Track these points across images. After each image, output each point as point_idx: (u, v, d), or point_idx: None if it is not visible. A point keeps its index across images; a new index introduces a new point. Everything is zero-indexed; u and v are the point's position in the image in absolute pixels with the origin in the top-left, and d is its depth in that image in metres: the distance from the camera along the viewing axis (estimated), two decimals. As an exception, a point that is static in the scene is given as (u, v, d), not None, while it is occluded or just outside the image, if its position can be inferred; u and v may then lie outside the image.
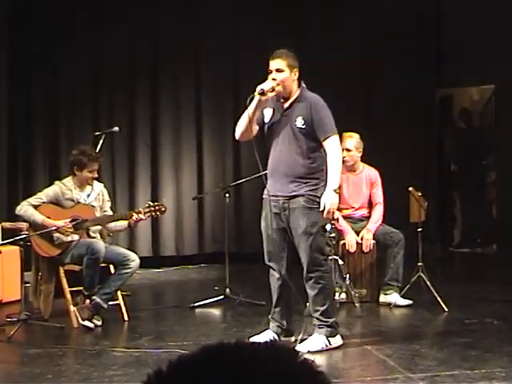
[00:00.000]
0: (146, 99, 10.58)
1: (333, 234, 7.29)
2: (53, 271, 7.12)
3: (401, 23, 10.94)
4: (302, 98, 5.89)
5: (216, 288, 8.22)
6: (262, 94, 5.79)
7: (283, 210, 5.89)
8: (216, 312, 7.67)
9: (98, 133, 8.46)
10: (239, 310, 7.52)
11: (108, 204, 7.41)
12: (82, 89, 10.36)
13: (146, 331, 6.80)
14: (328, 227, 7.42)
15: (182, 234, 10.71)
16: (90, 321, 6.86)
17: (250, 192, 10.45)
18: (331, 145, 5.82)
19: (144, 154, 10.58)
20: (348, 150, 7.72)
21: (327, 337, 5.94)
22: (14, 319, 6.95)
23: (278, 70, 5.88)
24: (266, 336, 6.07)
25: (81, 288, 7.02)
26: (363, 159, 7.93)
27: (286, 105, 5.92)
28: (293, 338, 6.09)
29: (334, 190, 5.77)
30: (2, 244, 7.72)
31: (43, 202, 7.08)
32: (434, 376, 5.26)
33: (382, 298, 7.68)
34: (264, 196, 6.03)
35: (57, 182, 7.29)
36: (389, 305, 7.52)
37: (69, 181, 7.23)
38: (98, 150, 7.90)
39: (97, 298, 6.89)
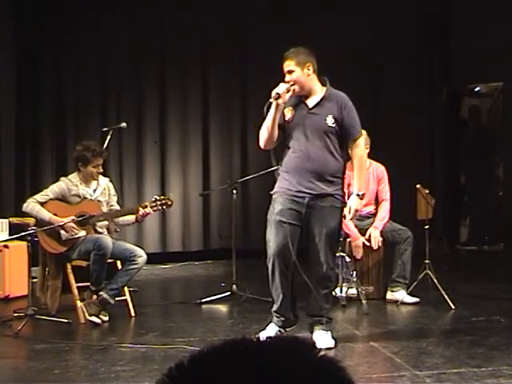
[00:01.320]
0: (154, 95, 10.59)
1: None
2: (60, 267, 7.13)
3: (409, 21, 10.92)
4: (331, 96, 5.83)
5: (223, 284, 8.22)
6: (278, 98, 5.75)
7: (307, 208, 5.77)
8: (223, 308, 7.68)
9: (105, 129, 8.47)
10: (246, 307, 7.52)
11: (115, 198, 7.41)
12: (89, 85, 10.38)
13: (153, 327, 6.81)
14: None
15: (189, 230, 10.72)
16: (97, 316, 6.87)
17: (257, 188, 10.46)
18: (359, 147, 5.87)
19: (151, 150, 10.59)
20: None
21: (330, 331, 6.01)
22: (21, 314, 6.96)
23: (289, 72, 5.83)
24: (271, 330, 6.06)
25: (88, 284, 7.02)
26: (370, 155, 7.91)
27: (313, 102, 5.82)
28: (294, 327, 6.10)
29: (358, 195, 5.81)
30: (10, 239, 7.75)
31: (50, 199, 7.08)
32: (441, 374, 5.25)
33: (389, 295, 7.67)
34: (278, 190, 5.92)
35: (62, 178, 7.30)
36: (396, 302, 7.51)
37: (74, 177, 7.23)
38: (105, 146, 7.91)
39: (104, 294, 6.90)
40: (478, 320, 6.86)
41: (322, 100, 5.81)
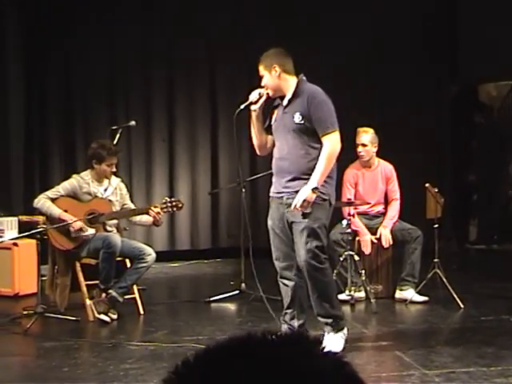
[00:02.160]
0: (162, 94, 10.60)
1: (348, 230, 7.28)
2: (69, 265, 7.15)
3: (417, 19, 10.90)
4: (299, 93, 5.72)
5: (232, 283, 8.22)
6: (250, 104, 5.81)
7: (287, 207, 5.71)
8: (231, 307, 7.68)
9: (114, 127, 8.48)
10: (254, 305, 7.52)
11: (127, 197, 7.43)
12: (98, 84, 10.40)
13: (162, 325, 6.81)
14: (344, 223, 7.44)
15: (198, 229, 10.73)
16: (106, 314, 6.88)
17: (266, 187, 10.44)
18: (325, 142, 5.59)
19: (160, 149, 10.60)
20: (363, 145, 7.69)
21: (340, 330, 5.82)
22: (31, 312, 6.98)
23: (262, 77, 5.85)
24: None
25: (97, 282, 7.04)
26: (378, 154, 7.90)
27: (285, 102, 5.78)
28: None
29: (312, 190, 5.51)
30: (19, 237, 7.76)
31: (61, 196, 7.10)
32: (450, 373, 5.24)
33: (398, 294, 7.66)
34: (270, 194, 5.94)
35: (74, 176, 7.31)
36: (404, 301, 7.50)
37: (86, 174, 7.24)
38: (115, 143, 7.92)
39: (113, 292, 6.91)
40: (487, 319, 6.84)
41: (291, 98, 5.75)
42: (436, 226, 7.45)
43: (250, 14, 10.63)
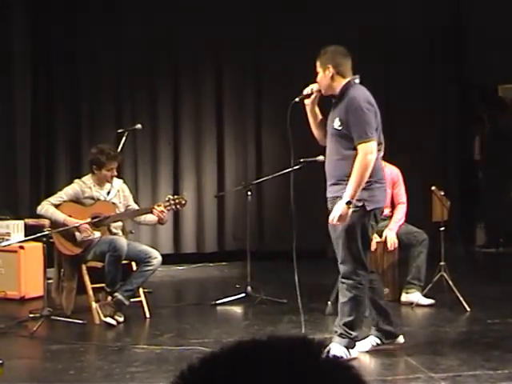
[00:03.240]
0: (168, 97, 10.60)
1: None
2: (75, 268, 7.15)
3: (424, 23, 10.88)
4: (344, 96, 5.64)
5: (237, 286, 8.22)
6: (303, 99, 5.79)
7: (331, 212, 5.65)
8: (237, 310, 7.68)
9: (120, 130, 8.50)
10: (261, 308, 7.52)
11: (131, 198, 7.43)
12: (104, 87, 10.41)
13: (168, 328, 6.82)
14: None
15: (203, 232, 10.72)
16: (112, 317, 6.89)
17: (272, 190, 10.46)
18: (360, 151, 5.48)
19: (166, 152, 10.61)
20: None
21: (347, 348, 5.67)
22: (37, 315, 6.99)
23: (317, 72, 5.79)
24: (369, 341, 5.89)
25: (103, 285, 7.04)
26: (384, 158, 7.87)
27: (333, 104, 5.74)
28: (401, 339, 5.85)
29: (346, 203, 5.42)
30: (25, 240, 7.77)
31: (64, 201, 7.11)
32: (456, 376, 5.23)
33: (404, 297, 7.65)
34: None
35: (76, 181, 7.32)
36: (410, 304, 7.49)
37: (88, 179, 7.25)
38: (120, 148, 7.93)
39: (119, 295, 6.91)
40: (494, 322, 6.83)
41: (336, 101, 5.70)
42: (442, 229, 7.44)
43: (259, 12, 10.61)
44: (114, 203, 7.23)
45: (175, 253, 10.50)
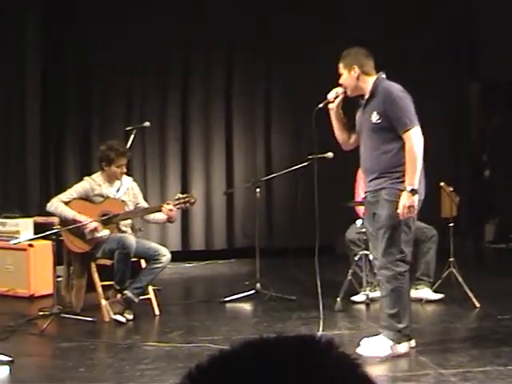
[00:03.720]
0: (176, 94, 10.61)
1: (363, 230, 7.27)
2: (84, 266, 7.16)
3: (435, 22, 10.84)
4: (376, 92, 5.69)
5: (246, 283, 8.22)
6: (328, 103, 5.83)
7: (371, 205, 5.74)
8: (246, 307, 7.68)
9: (129, 128, 8.51)
10: (270, 305, 7.52)
11: (140, 196, 7.43)
12: (113, 84, 10.42)
13: (177, 326, 6.82)
14: (359, 223, 7.43)
15: (212, 229, 10.73)
16: (122, 315, 6.90)
17: (281, 187, 10.46)
18: (408, 140, 5.55)
19: (174, 149, 10.62)
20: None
21: (394, 342, 5.65)
22: (47, 313, 7.01)
23: (340, 74, 5.82)
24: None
25: (112, 282, 7.05)
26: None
27: (364, 102, 5.77)
28: (413, 342, 5.77)
29: (410, 192, 5.48)
30: (35, 238, 7.79)
31: (74, 198, 7.12)
32: (466, 372, 5.22)
33: (413, 294, 7.62)
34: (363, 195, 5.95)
35: (86, 178, 7.32)
36: (420, 300, 7.47)
37: (98, 176, 7.25)
38: (129, 145, 7.94)
39: (128, 293, 6.92)
40: (504, 318, 6.81)
41: (369, 98, 5.74)
42: (451, 224, 7.43)
43: (269, 11, 10.60)
44: (123, 201, 7.23)
45: (184, 250, 10.52)
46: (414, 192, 5.49)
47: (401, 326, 5.64)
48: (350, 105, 5.95)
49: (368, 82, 5.76)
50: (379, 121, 5.63)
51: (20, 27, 9.88)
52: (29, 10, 9.92)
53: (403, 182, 5.56)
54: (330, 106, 5.86)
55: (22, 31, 9.89)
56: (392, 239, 5.60)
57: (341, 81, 5.82)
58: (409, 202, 5.49)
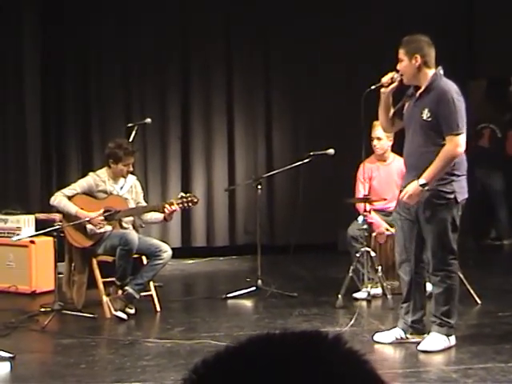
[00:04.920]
0: (178, 91, 10.60)
1: (365, 226, 7.27)
2: (86, 262, 7.16)
3: (434, 22, 10.81)
4: (432, 87, 5.62)
5: (248, 279, 8.22)
6: (381, 86, 5.76)
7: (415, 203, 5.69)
8: (248, 303, 7.68)
9: (130, 124, 8.50)
10: (271, 302, 7.52)
11: (141, 195, 7.44)
12: (114, 81, 10.41)
13: (178, 322, 6.83)
14: (360, 219, 7.43)
15: (214, 226, 10.73)
16: (123, 311, 6.90)
17: (282, 184, 10.46)
18: (450, 142, 5.52)
19: (176, 146, 10.61)
20: (379, 139, 7.65)
21: (447, 336, 5.73)
22: (48, 309, 7.01)
23: (399, 60, 5.73)
24: (393, 334, 5.90)
25: (113, 279, 7.05)
26: (393, 150, 7.86)
27: (417, 95, 5.70)
28: (425, 336, 5.82)
29: (421, 185, 5.50)
30: (36, 235, 7.79)
31: (77, 193, 7.12)
32: (467, 369, 5.23)
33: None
34: (401, 188, 5.89)
35: (91, 174, 7.33)
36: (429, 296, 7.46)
37: (103, 172, 7.26)
38: (130, 141, 7.93)
39: (129, 289, 6.92)
40: (505, 315, 6.81)
41: (423, 92, 5.67)
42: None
43: (268, 6, 10.58)
44: (126, 198, 7.24)
45: (185, 247, 10.51)
46: (423, 186, 5.50)
47: (452, 321, 5.74)
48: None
49: (427, 75, 5.67)
50: (430, 119, 5.58)
51: (19, 27, 9.87)
52: (27, 10, 9.91)
53: (447, 184, 5.58)
54: (383, 90, 5.78)
55: (21, 31, 9.87)
56: (442, 241, 5.65)
57: (399, 67, 5.73)
58: (415, 193, 5.53)
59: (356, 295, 7.45)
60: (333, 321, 6.74)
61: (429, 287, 7.47)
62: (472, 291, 7.19)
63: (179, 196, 7.20)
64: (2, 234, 8.39)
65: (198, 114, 10.66)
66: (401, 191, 5.83)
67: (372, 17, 10.29)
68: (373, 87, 5.84)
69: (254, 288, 7.78)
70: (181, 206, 7.10)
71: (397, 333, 5.91)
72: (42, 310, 7.18)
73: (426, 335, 5.82)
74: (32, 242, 8.08)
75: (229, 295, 7.75)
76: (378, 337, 5.88)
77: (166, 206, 7.07)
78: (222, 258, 10.39)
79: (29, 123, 9.94)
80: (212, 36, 10.50)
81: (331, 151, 7.56)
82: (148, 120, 8.49)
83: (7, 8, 9.76)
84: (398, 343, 5.87)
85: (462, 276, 7.21)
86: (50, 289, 7.62)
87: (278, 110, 10.76)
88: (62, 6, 10.22)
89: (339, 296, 7.16)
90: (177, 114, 10.61)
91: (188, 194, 7.28)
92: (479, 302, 7.18)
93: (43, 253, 8.00)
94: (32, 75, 9.97)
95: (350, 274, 7.26)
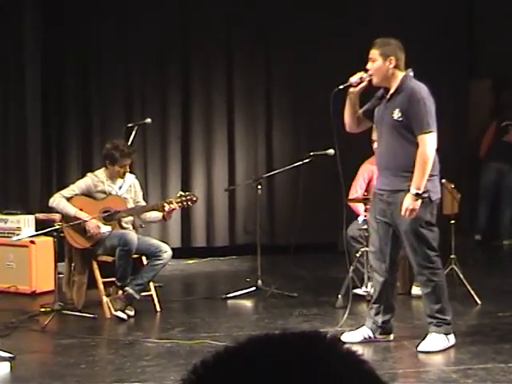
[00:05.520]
0: (178, 91, 10.60)
1: (365, 226, 7.27)
2: (86, 262, 7.17)
3: (434, 22, 10.82)
4: (402, 89, 5.67)
5: (248, 279, 8.22)
6: (350, 86, 5.75)
7: (388, 205, 5.73)
8: (248, 303, 7.68)
9: (130, 124, 8.50)
10: (271, 302, 7.52)
11: (140, 194, 7.44)
12: (114, 81, 10.41)
13: (178, 322, 6.83)
14: (360, 219, 7.43)
15: (214, 226, 10.72)
16: (123, 311, 6.90)
17: (282, 184, 10.45)
18: (422, 142, 5.59)
19: (176, 146, 10.61)
20: (378, 141, 7.65)
21: (446, 335, 5.74)
22: (48, 309, 7.01)
23: (371, 60, 5.74)
24: (361, 333, 5.93)
25: (113, 279, 7.06)
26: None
27: (388, 96, 5.73)
28: (391, 337, 5.90)
29: (415, 195, 5.51)
30: (36, 235, 7.80)
31: (75, 194, 7.13)
32: (467, 369, 5.23)
33: (415, 290, 7.63)
34: (373, 190, 5.94)
35: (89, 174, 7.34)
36: (421, 297, 7.46)
37: (101, 173, 7.26)
38: (130, 142, 7.93)
39: (129, 289, 6.92)
40: (505, 315, 6.81)
41: (394, 93, 5.70)
42: (453, 221, 7.43)
43: (268, 5, 10.58)
44: (125, 198, 7.24)
45: (185, 247, 10.51)
46: (418, 196, 5.53)
47: (448, 317, 5.77)
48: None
49: (397, 77, 5.72)
50: (401, 119, 5.62)
51: (20, 27, 9.86)
52: (28, 9, 9.90)
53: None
54: (352, 89, 5.78)
55: (22, 30, 9.87)
56: (422, 240, 5.68)
57: (371, 67, 5.74)
58: (412, 205, 5.53)
59: (356, 291, 7.42)
60: (333, 321, 6.74)
61: (415, 291, 7.49)
62: (472, 291, 7.19)
63: (178, 195, 7.20)
64: (2, 234, 8.38)
65: (198, 114, 10.66)
66: (375, 193, 5.89)
67: (372, 17, 10.28)
68: (341, 86, 5.81)
69: (253, 288, 7.78)
70: (180, 204, 7.10)
71: (365, 332, 5.95)
72: (42, 310, 7.18)
73: (392, 335, 5.89)
74: (32, 242, 8.07)
75: (229, 295, 7.74)
76: (346, 337, 5.86)
77: (166, 204, 7.08)
78: (221, 258, 10.39)
79: (29, 123, 9.93)
80: (212, 36, 10.50)
81: (331, 151, 7.56)
82: (148, 120, 8.49)
83: (8, 7, 9.76)
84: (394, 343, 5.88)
85: (461, 276, 7.22)
86: (50, 289, 7.62)
87: (279, 109, 10.76)
88: (63, 7, 10.22)
89: (339, 296, 7.16)
90: (177, 114, 10.61)
91: (187, 193, 7.27)
92: (479, 302, 7.18)
93: (43, 253, 8.00)
94: (33, 75, 9.96)
95: (350, 274, 7.26)
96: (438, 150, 5.76)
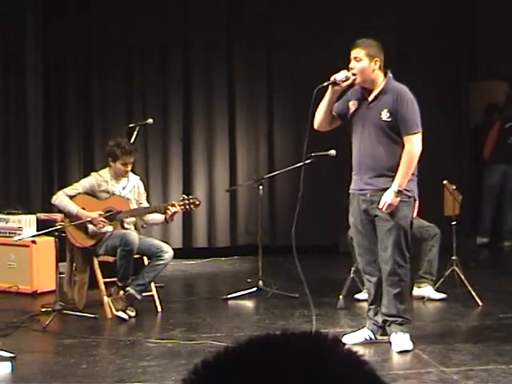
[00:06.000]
0: (179, 92, 10.60)
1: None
2: (87, 262, 7.17)
3: (434, 22, 10.82)
4: (387, 89, 5.69)
5: (249, 280, 8.23)
6: (335, 84, 5.72)
7: (371, 204, 5.73)
8: (249, 304, 7.68)
9: (131, 125, 8.50)
10: (272, 302, 7.52)
11: (144, 196, 7.45)
12: (115, 81, 10.42)
13: (179, 322, 6.83)
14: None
15: (215, 226, 10.73)
16: (124, 312, 6.90)
17: (284, 184, 10.45)
18: (409, 142, 5.62)
19: (177, 146, 10.61)
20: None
21: (409, 333, 5.81)
22: (49, 309, 7.01)
23: (356, 59, 5.73)
24: (362, 334, 5.93)
25: (115, 279, 7.06)
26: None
27: (371, 97, 5.72)
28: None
29: (395, 192, 5.56)
30: (37, 235, 7.80)
31: (79, 193, 7.13)
32: (468, 370, 5.22)
33: (416, 292, 7.63)
34: (350, 191, 5.91)
35: (93, 173, 7.35)
36: (422, 298, 7.47)
37: (105, 172, 7.27)
38: (132, 142, 7.93)
39: (130, 289, 6.92)
40: (506, 317, 6.81)
41: (379, 94, 5.70)
42: (454, 223, 7.43)
43: (270, 4, 10.59)
44: (128, 199, 7.24)
45: (187, 247, 10.51)
46: (399, 193, 5.57)
47: (410, 317, 5.88)
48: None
49: (379, 78, 5.74)
50: (390, 119, 5.64)
51: (21, 26, 9.86)
52: (29, 7, 9.91)
53: (407, 182, 5.64)
54: (336, 87, 5.75)
55: (23, 30, 9.87)
56: (404, 238, 5.71)
57: (357, 67, 5.73)
58: (392, 200, 5.59)
59: (358, 296, 7.45)
60: (334, 322, 6.73)
61: (426, 292, 7.49)
62: (473, 293, 7.19)
63: (181, 198, 7.20)
64: (4, 234, 8.39)
65: (199, 114, 10.66)
66: (354, 195, 5.87)
67: (372, 17, 10.28)
68: (325, 84, 5.77)
69: (255, 289, 7.78)
70: (183, 207, 7.11)
71: (366, 333, 5.95)
72: (43, 310, 7.18)
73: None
74: (33, 241, 8.08)
75: (230, 296, 7.74)
76: (347, 339, 5.86)
77: (168, 207, 7.08)
78: (223, 259, 10.39)
79: (30, 123, 9.94)
80: (213, 36, 10.51)
81: (333, 152, 7.55)
82: (149, 120, 8.49)
83: (9, 7, 9.76)
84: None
85: (463, 277, 7.22)
86: (51, 289, 7.62)
87: (280, 110, 10.76)
88: (63, 7, 10.22)
89: (340, 297, 7.16)
90: (178, 115, 10.61)
91: (190, 196, 7.28)
92: (480, 303, 7.18)
93: (44, 253, 8.00)
94: (34, 75, 9.97)
95: (351, 276, 7.26)
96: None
